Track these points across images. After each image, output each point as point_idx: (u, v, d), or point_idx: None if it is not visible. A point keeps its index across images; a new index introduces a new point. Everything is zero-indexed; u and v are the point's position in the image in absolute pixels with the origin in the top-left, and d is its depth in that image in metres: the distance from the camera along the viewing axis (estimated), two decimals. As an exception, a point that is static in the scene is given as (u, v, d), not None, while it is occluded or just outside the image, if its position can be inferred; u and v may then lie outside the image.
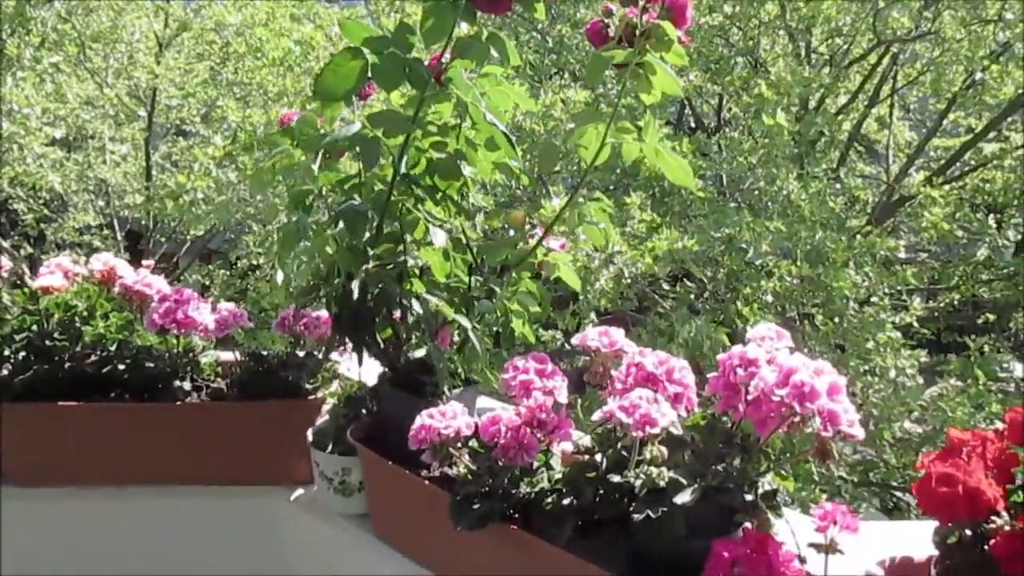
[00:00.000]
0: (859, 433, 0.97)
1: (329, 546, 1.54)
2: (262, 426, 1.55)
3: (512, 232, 1.45)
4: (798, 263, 4.84)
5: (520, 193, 5.21)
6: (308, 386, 1.55)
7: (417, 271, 1.35)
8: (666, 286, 5.54)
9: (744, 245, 4.94)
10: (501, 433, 1.12)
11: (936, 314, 6.15)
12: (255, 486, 1.61)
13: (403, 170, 1.31)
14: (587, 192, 1.47)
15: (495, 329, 1.47)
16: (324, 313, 1.58)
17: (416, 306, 1.27)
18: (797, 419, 1.00)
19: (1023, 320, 6.03)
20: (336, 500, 1.48)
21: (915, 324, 5.45)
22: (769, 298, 4.78)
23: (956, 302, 6.27)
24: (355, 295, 1.25)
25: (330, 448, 1.46)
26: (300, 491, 1.59)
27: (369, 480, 1.42)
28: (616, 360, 1.15)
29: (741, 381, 1.05)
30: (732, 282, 4.91)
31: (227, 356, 1.67)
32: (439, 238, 1.25)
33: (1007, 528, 0.90)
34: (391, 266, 1.33)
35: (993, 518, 0.91)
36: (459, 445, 1.16)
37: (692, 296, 5.09)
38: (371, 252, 1.30)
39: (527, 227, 1.45)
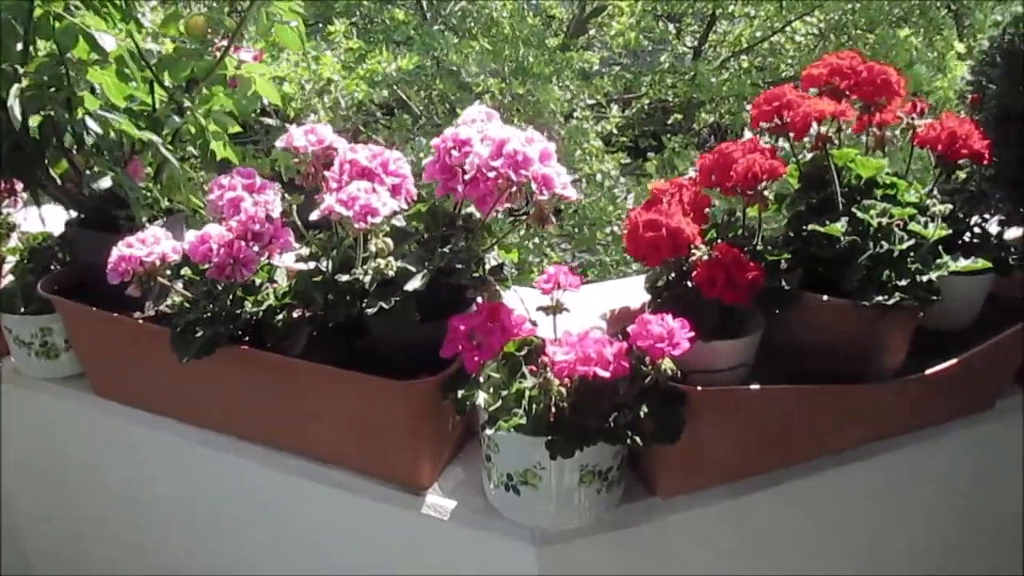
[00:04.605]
0: (572, 194, 1.00)
1: (47, 417, 1.39)
2: (-73, 300, 1.33)
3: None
4: (506, 81, 4.93)
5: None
6: (-22, 247, 1.34)
7: (90, 91, 1.17)
8: (381, 118, 5.45)
9: (453, 67, 4.93)
10: (213, 251, 1.03)
11: (631, 121, 6.62)
12: (-62, 371, 1.40)
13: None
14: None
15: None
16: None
17: (93, 126, 1.10)
18: (514, 190, 1.02)
19: (705, 118, 6.64)
20: (41, 365, 1.33)
21: (615, 131, 5.84)
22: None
23: (647, 107, 6.77)
24: (13, 124, 1.07)
25: (22, 309, 1.29)
26: (-4, 365, 1.41)
27: (75, 335, 1.28)
28: (327, 159, 1.09)
29: (456, 162, 1.03)
30: (446, 104, 4.91)
31: None
32: (108, 42, 1.08)
33: (704, 258, 0.99)
34: (54, 89, 1.15)
35: (693, 251, 1.00)
36: (168, 273, 1.06)
37: (409, 123, 5.04)
38: (22, 72, 1.10)
39: (209, 36, 1.31)
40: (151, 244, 1.03)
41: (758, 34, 6.55)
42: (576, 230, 5.34)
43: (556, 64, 5.35)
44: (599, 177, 5.20)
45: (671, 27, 7.27)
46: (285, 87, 3.91)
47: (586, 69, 5.93)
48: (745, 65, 6.35)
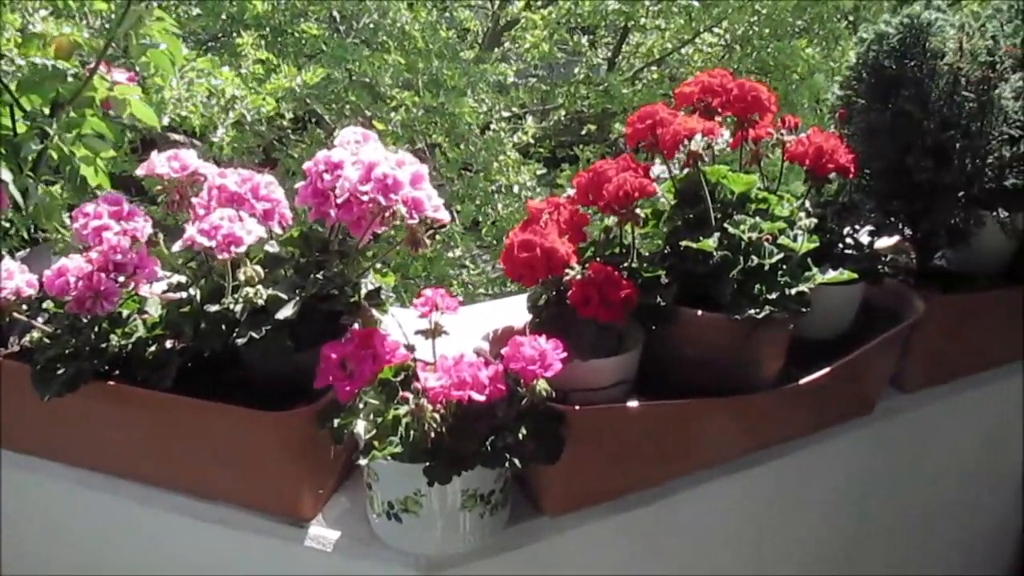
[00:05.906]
0: (444, 216, 0.99)
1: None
2: None
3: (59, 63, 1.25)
4: (420, 94, 4.91)
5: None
6: None
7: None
8: (294, 136, 5.36)
9: (367, 79, 4.89)
10: (71, 285, 0.98)
11: (548, 133, 6.68)
12: None
13: None
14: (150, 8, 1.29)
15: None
16: None
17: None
18: (388, 214, 1.00)
19: (619, 128, 6.73)
20: (-100, 407, 1.25)
21: (532, 142, 5.87)
22: (399, 130, 4.82)
23: (563, 118, 6.84)
24: None
25: None
26: None
27: (-65, 375, 1.21)
28: (196, 186, 1.06)
29: (328, 186, 1.01)
30: (359, 117, 4.86)
31: None
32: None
33: (579, 277, 0.99)
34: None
35: (568, 271, 1.00)
36: (26, 308, 1.01)
37: (323, 137, 4.97)
38: None
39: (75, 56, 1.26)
40: (3, 279, 0.98)
41: (669, 46, 6.69)
42: (495, 241, 5.34)
43: (471, 76, 5.35)
44: (516, 188, 5.22)
45: (584, 39, 7.36)
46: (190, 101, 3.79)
47: (501, 81, 5.96)
48: (656, 76, 6.46)
